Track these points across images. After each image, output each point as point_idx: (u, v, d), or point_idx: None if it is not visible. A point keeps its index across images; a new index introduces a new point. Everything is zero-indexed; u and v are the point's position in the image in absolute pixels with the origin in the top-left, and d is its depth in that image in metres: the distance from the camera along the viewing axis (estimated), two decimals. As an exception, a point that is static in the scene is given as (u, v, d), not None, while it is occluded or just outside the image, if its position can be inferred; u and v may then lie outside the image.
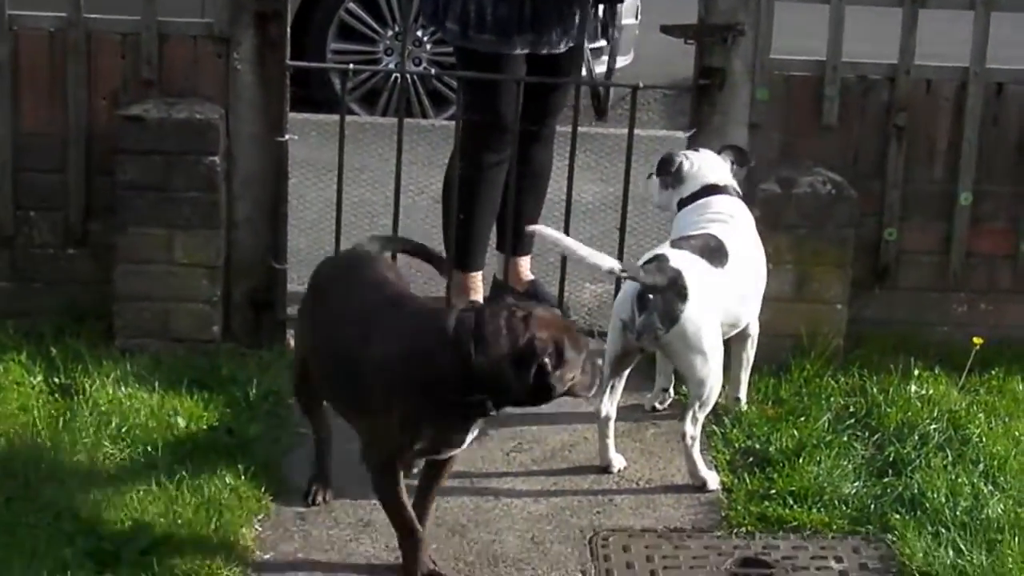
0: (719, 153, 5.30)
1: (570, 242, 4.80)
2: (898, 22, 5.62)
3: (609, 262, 4.74)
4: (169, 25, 5.49)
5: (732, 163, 5.29)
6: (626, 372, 4.92)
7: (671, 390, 5.34)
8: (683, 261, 4.82)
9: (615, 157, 5.57)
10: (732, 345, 5.09)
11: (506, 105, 5.60)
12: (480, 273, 5.91)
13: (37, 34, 5.49)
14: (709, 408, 4.89)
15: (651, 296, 4.70)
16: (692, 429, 4.83)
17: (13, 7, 5.50)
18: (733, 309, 4.99)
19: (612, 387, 4.89)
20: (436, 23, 5.80)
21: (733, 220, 5.10)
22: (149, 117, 5.41)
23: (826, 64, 5.61)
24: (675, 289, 4.73)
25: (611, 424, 4.93)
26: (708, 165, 5.22)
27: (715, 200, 5.15)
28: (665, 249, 4.90)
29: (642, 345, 4.82)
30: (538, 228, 4.93)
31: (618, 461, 4.98)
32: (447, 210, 5.76)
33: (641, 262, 4.88)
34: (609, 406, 4.90)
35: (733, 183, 5.24)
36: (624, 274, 4.76)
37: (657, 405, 5.33)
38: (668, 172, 5.22)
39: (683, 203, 5.20)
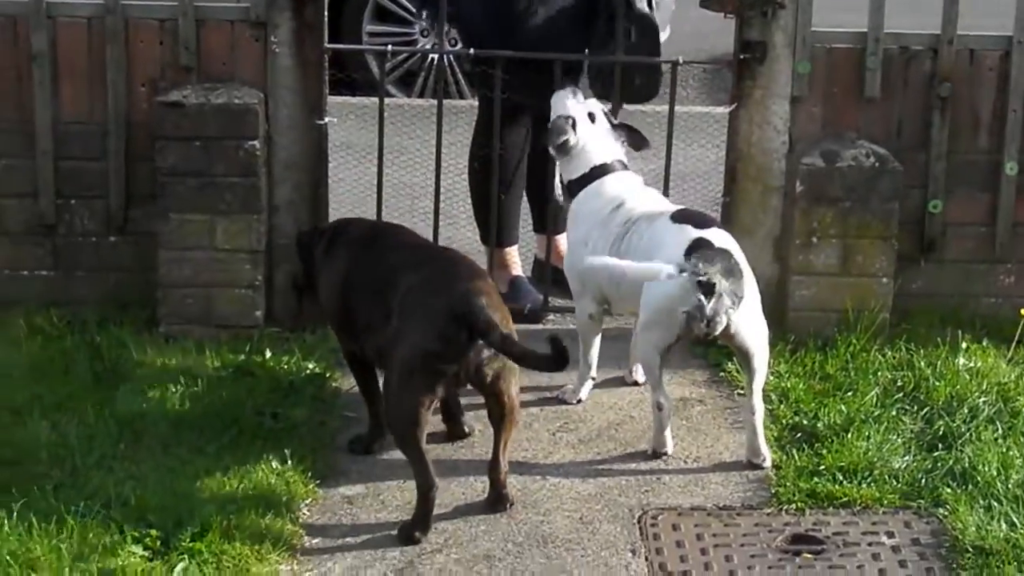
0: (613, 128, 5.20)
1: (617, 263, 4.79)
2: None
3: (664, 269, 4.63)
4: (206, 10, 5.49)
5: (623, 142, 5.19)
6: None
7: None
8: (724, 239, 4.76)
9: (655, 134, 5.52)
10: None
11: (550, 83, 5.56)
12: (515, 247, 5.91)
13: (75, 22, 5.48)
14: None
15: (714, 281, 4.57)
16: (761, 403, 4.79)
17: (50, -4, 5.51)
18: None
19: (661, 377, 4.82)
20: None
21: (654, 194, 5.06)
22: (188, 103, 5.40)
23: (868, 36, 5.56)
24: (733, 268, 4.64)
25: (669, 413, 4.86)
26: (596, 138, 5.11)
27: (610, 180, 5.07)
28: (695, 232, 4.73)
29: (710, 332, 4.64)
30: (592, 261, 4.85)
31: (670, 446, 4.94)
32: (474, 189, 5.84)
33: (683, 249, 4.68)
34: (666, 395, 4.82)
35: (622, 157, 5.15)
36: (685, 273, 4.59)
37: (639, 379, 5.29)
38: (554, 145, 5.12)
39: (574, 186, 5.12)
